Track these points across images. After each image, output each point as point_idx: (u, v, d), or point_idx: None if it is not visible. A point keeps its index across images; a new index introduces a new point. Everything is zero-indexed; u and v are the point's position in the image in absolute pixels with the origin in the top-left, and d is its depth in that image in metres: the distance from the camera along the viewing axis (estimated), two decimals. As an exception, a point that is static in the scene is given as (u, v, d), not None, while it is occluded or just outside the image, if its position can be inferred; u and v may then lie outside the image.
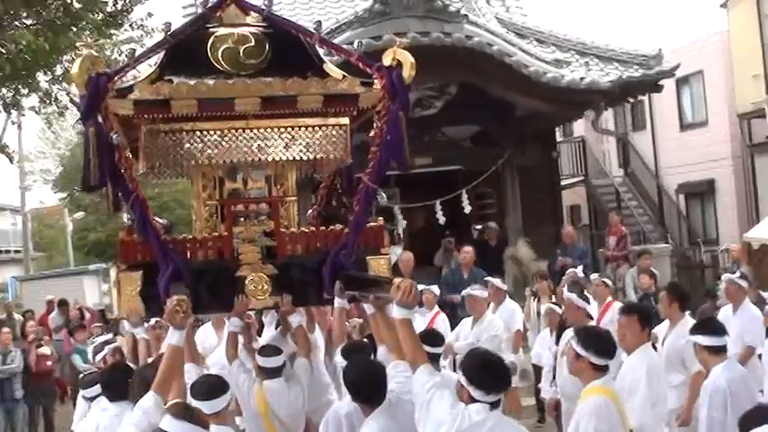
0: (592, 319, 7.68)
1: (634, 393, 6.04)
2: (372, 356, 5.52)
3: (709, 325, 6.53)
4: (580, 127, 24.67)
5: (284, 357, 6.39)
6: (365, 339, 6.30)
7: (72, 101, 14.24)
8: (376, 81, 5.51)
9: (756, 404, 4.75)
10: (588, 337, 5.50)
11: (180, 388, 4.96)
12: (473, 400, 4.34)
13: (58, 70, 13.85)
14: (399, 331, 4.72)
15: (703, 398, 6.14)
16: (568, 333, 8.22)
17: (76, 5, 12.79)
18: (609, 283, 10.34)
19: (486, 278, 10.07)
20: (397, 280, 4.73)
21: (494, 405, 4.35)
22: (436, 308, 10.40)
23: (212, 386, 5.15)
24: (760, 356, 8.12)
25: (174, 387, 4.87)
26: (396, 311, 4.67)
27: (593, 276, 10.68)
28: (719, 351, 6.14)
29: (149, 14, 14.50)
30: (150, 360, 6.41)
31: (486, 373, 4.38)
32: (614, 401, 5.36)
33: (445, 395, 4.42)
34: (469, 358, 4.57)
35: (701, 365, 6.43)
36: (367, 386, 4.94)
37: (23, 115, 15.65)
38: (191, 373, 5.53)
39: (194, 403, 4.96)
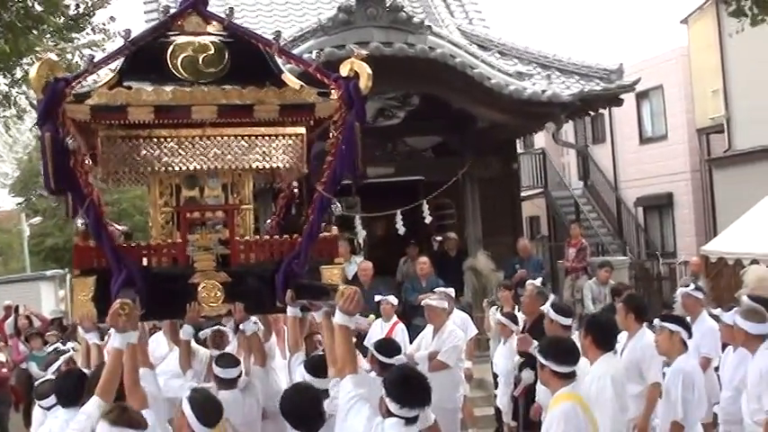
0: (569, 331, 7.58)
1: (603, 403, 6.07)
2: None
3: (682, 320, 7.06)
4: (541, 139, 24.86)
5: (241, 368, 6.38)
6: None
7: (31, 104, 14.14)
8: (333, 91, 5.54)
9: None
10: (548, 347, 5.63)
11: (142, 398, 4.88)
12: (390, 414, 4.39)
13: (18, 73, 13.73)
14: (336, 337, 4.75)
15: (672, 381, 6.61)
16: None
17: (38, 8, 12.70)
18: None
19: (438, 288, 10.08)
20: (341, 287, 4.78)
21: (409, 421, 4.39)
22: (395, 317, 10.44)
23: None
24: (716, 369, 8.23)
25: (137, 397, 4.81)
26: (337, 317, 4.70)
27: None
28: (683, 344, 6.73)
29: (111, 18, 14.45)
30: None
31: (404, 388, 4.43)
32: (582, 407, 5.45)
33: (364, 408, 4.49)
34: (393, 373, 4.65)
35: (660, 350, 6.89)
36: (302, 413, 4.92)
37: (-18, 117, 15.48)
38: (145, 379, 5.44)
39: None
